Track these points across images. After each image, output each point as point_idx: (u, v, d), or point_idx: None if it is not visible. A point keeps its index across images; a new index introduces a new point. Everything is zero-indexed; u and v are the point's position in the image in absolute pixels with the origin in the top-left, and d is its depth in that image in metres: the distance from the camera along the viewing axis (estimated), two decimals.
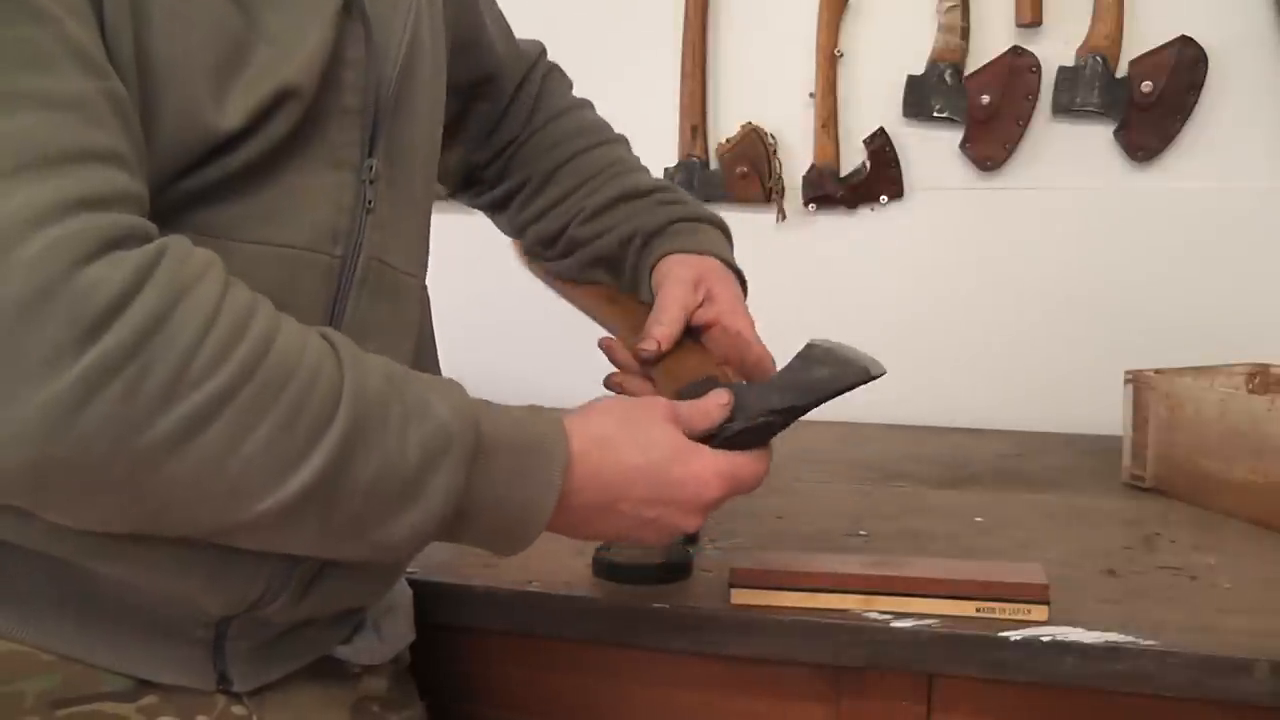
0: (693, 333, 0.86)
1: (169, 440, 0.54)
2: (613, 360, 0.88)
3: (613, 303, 0.93)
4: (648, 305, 0.88)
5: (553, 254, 0.96)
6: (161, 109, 0.59)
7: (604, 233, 0.93)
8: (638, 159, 0.99)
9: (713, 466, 0.72)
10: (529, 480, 0.66)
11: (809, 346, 0.79)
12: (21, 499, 0.55)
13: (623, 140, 1.00)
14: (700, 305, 0.86)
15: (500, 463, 0.65)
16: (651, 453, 0.70)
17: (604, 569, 0.89)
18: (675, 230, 0.91)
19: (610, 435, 0.70)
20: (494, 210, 1.01)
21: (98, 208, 0.53)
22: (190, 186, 0.62)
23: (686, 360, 0.84)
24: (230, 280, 0.58)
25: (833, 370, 0.75)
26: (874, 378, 0.75)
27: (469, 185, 1.01)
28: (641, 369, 0.85)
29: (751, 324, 0.88)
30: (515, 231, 1.00)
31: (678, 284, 0.86)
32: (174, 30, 0.59)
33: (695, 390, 0.78)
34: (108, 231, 0.53)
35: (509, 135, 0.99)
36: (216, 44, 0.61)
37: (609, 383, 0.87)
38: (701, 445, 0.72)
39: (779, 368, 0.81)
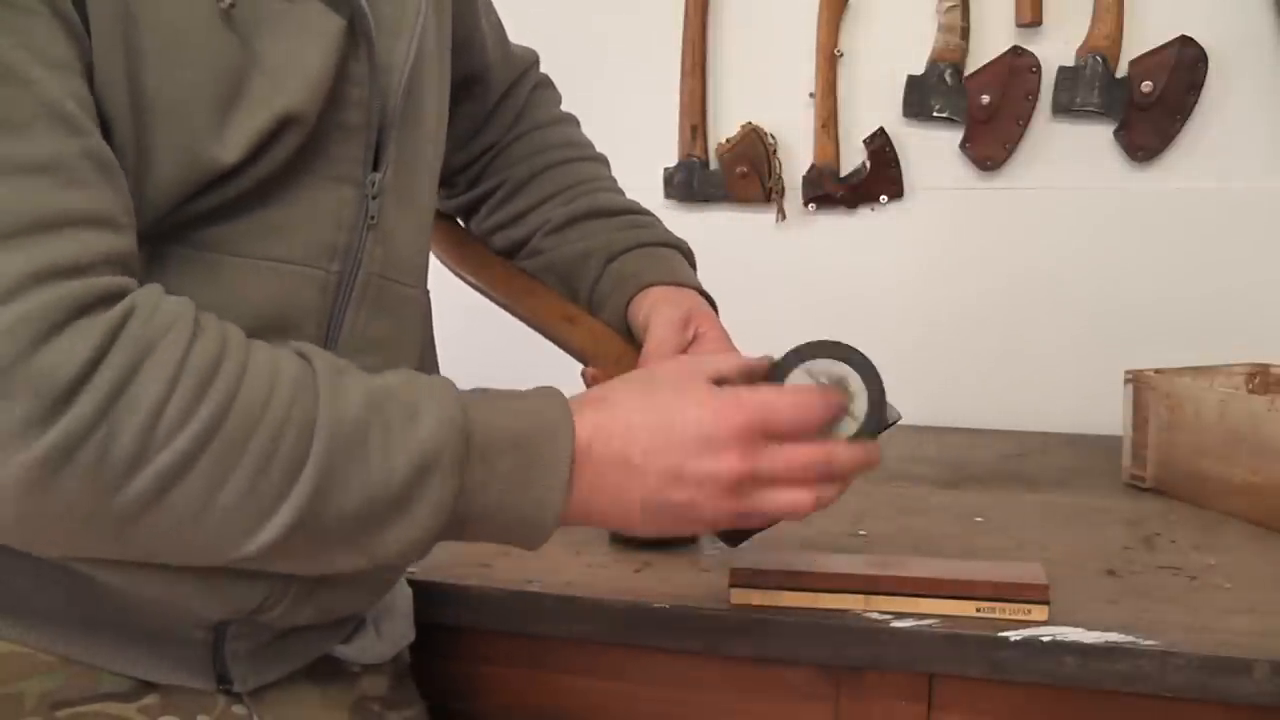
0: None
1: (143, 499, 0.55)
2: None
3: (572, 323, 0.90)
4: (612, 330, 0.87)
5: (518, 259, 0.95)
6: (160, 147, 0.59)
7: (564, 245, 0.91)
8: (614, 180, 0.98)
9: (727, 395, 0.66)
10: (532, 477, 0.63)
11: None
12: (13, 544, 0.58)
13: (602, 159, 1.00)
14: (691, 344, 0.85)
15: (499, 466, 0.63)
16: (656, 395, 0.66)
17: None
18: (639, 254, 0.89)
19: (617, 400, 0.67)
20: (462, 215, 1.00)
21: (70, 274, 0.53)
22: (188, 212, 0.62)
23: None
24: (198, 329, 0.57)
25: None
26: (890, 425, 0.75)
27: (442, 187, 0.99)
28: None
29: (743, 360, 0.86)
30: (480, 237, 0.98)
31: (667, 325, 0.84)
32: (170, 68, 0.59)
33: None
34: (77, 299, 0.53)
35: (489, 140, 0.98)
36: (214, 78, 0.60)
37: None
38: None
39: None
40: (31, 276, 0.52)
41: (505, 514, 0.64)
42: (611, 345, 0.87)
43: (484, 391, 0.66)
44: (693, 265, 0.94)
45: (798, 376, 0.73)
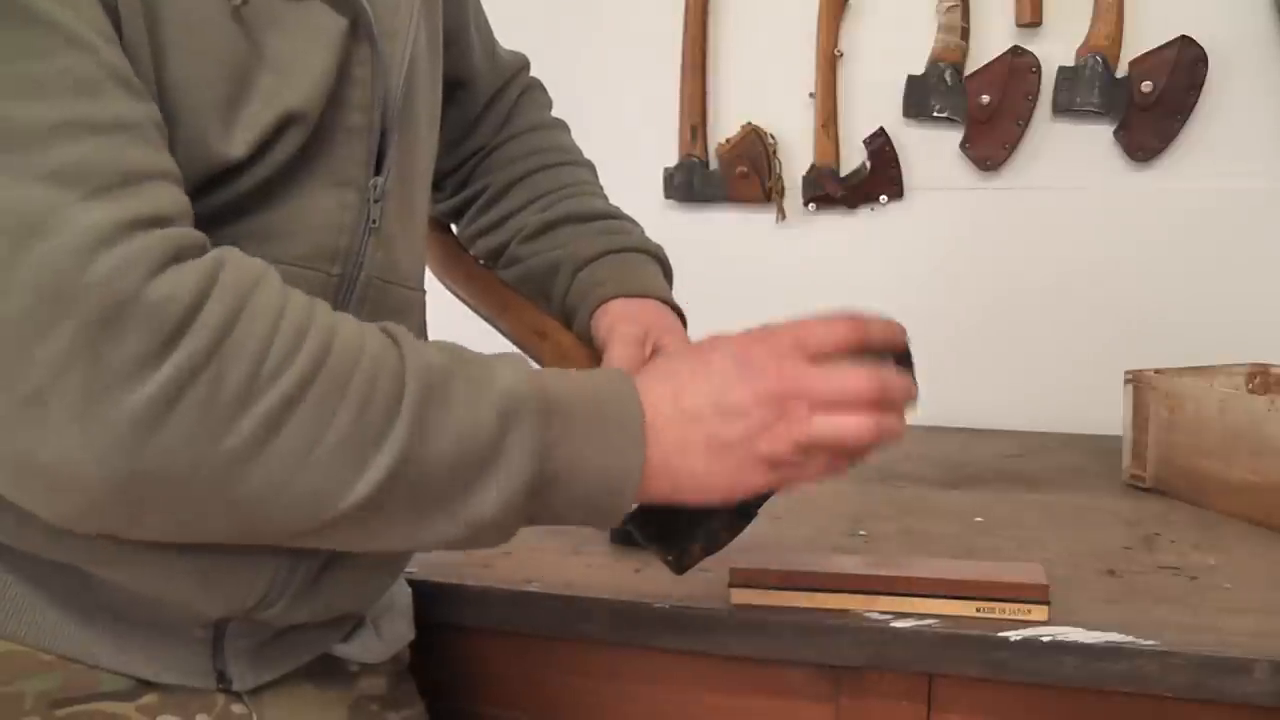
0: None
1: (250, 442, 0.55)
2: None
3: (541, 338, 0.90)
4: (582, 344, 0.87)
5: (498, 267, 0.95)
6: (173, 138, 0.59)
7: (537, 254, 0.91)
8: (597, 184, 0.97)
9: (757, 328, 0.69)
10: (609, 433, 0.64)
11: None
12: (116, 518, 0.56)
13: (587, 164, 0.99)
14: (649, 360, 0.83)
15: (576, 421, 0.64)
16: (698, 350, 0.70)
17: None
18: (606, 262, 0.88)
19: (665, 364, 0.70)
20: (449, 218, 1.00)
21: (160, 224, 0.54)
22: (194, 212, 0.62)
23: None
24: (286, 285, 0.59)
25: None
26: None
27: (431, 190, 0.99)
28: None
29: None
30: (465, 242, 0.98)
31: (623, 343, 0.83)
32: (186, 61, 0.59)
33: None
34: (170, 245, 0.54)
35: (477, 144, 0.98)
36: (224, 74, 0.61)
37: None
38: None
39: None
40: (129, 224, 0.53)
41: (589, 475, 0.64)
42: (577, 362, 0.86)
43: (549, 369, 0.67)
44: (667, 271, 0.93)
45: None
